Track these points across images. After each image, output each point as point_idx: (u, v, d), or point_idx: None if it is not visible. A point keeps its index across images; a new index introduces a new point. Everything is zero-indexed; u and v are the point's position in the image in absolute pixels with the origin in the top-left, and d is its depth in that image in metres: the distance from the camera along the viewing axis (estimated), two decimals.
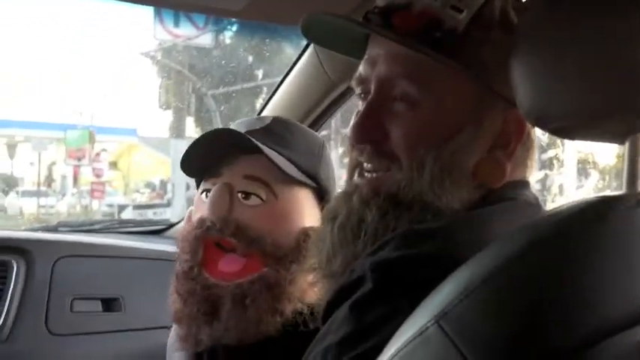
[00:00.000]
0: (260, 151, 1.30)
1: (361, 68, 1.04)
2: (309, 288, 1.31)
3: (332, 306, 0.91)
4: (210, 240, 1.33)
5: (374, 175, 1.01)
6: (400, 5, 0.98)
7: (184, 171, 1.39)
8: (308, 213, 1.38)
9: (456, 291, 0.72)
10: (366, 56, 1.03)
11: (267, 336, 1.29)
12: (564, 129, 0.82)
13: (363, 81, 1.03)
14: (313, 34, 1.10)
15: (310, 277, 1.26)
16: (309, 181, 1.38)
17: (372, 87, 1.01)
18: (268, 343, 1.29)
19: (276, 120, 1.44)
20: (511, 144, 0.98)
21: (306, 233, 1.34)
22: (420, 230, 0.91)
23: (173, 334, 1.49)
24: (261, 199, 1.33)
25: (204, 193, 1.37)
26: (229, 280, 1.30)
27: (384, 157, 0.99)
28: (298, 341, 1.16)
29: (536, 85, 0.81)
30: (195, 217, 1.38)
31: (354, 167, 1.05)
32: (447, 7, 0.96)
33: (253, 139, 1.31)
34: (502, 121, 0.98)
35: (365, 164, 1.02)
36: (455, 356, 0.67)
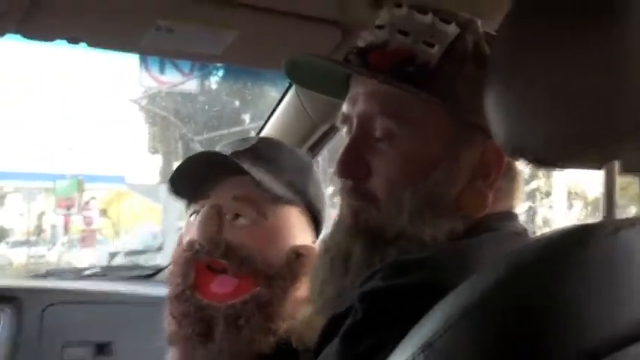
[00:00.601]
0: (247, 172, 1.30)
1: (344, 107, 1.07)
2: (302, 305, 1.31)
3: (324, 336, 0.93)
4: (201, 263, 1.33)
5: (360, 213, 1.03)
6: (377, 44, 1.02)
7: (174, 193, 1.40)
8: (298, 231, 1.39)
9: (442, 321, 0.73)
10: (348, 95, 1.06)
11: (261, 354, 1.29)
12: (541, 160, 0.83)
13: (346, 119, 1.06)
14: (296, 76, 1.14)
15: (301, 294, 1.30)
16: (297, 200, 1.39)
17: (354, 124, 1.04)
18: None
19: (262, 140, 1.44)
20: (491, 174, 1.00)
21: (296, 251, 1.35)
22: (407, 260, 0.92)
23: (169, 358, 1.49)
24: (251, 219, 1.33)
25: (194, 215, 1.37)
26: (222, 301, 1.30)
27: (362, 196, 1.02)
28: (291, 358, 1.17)
29: (510, 116, 0.82)
30: (185, 240, 1.38)
31: (344, 207, 1.07)
32: (419, 43, 0.99)
33: (237, 161, 1.32)
34: (480, 152, 1.00)
35: (352, 203, 1.05)
36: None
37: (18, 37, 1.53)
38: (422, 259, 0.91)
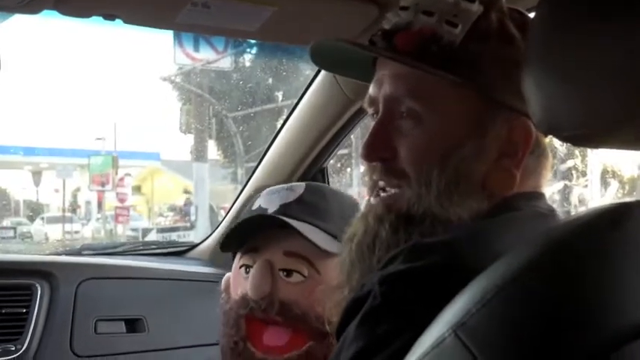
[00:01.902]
0: (296, 229, 1.30)
1: (370, 89, 1.07)
2: None
3: (344, 320, 0.93)
4: (254, 317, 1.34)
5: (387, 193, 1.03)
6: (401, 26, 1.01)
7: (224, 249, 1.43)
8: None
9: (473, 301, 0.72)
10: (374, 78, 1.06)
11: None
12: (578, 137, 0.81)
13: (372, 101, 1.06)
14: (322, 60, 1.14)
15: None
16: None
17: (380, 107, 1.03)
18: None
19: (308, 188, 1.43)
20: (519, 152, 0.99)
21: None
22: (427, 243, 0.92)
23: None
24: (303, 275, 1.33)
25: (243, 268, 1.38)
26: (276, 354, 1.31)
27: (394, 175, 1.02)
28: None
29: (547, 94, 0.80)
30: (236, 293, 1.38)
31: (371, 188, 1.06)
32: (443, 23, 0.98)
33: (287, 219, 1.31)
34: (507, 130, 0.98)
35: (379, 182, 1.04)
36: None
37: (54, 13, 1.53)
38: (440, 242, 0.91)
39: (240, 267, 1.39)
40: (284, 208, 1.36)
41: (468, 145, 0.98)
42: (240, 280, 1.39)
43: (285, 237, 1.34)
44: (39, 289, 2.03)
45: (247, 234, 1.37)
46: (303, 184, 1.46)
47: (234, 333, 1.34)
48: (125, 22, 1.62)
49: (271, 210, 1.37)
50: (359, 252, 1.02)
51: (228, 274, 1.46)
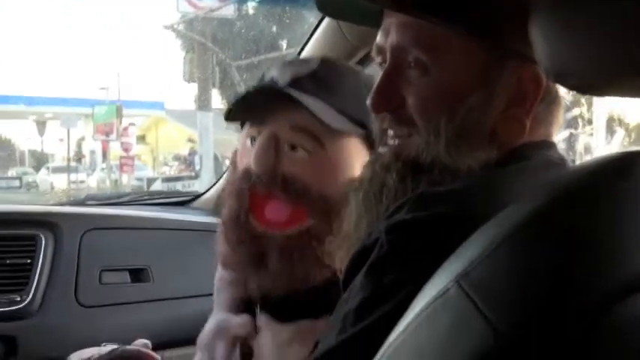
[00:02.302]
0: (303, 103, 1.27)
1: (378, 37, 1.05)
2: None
3: (351, 269, 0.92)
4: (257, 191, 1.31)
5: (396, 141, 1.02)
6: None
7: (228, 119, 1.38)
8: (357, 163, 1.33)
9: (477, 251, 0.71)
10: (382, 26, 1.04)
11: (316, 286, 1.29)
12: (586, 85, 0.80)
13: (380, 50, 1.04)
14: (329, 8, 1.13)
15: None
16: (357, 130, 1.34)
17: (388, 56, 1.02)
18: (314, 289, 1.29)
19: (324, 62, 1.38)
20: (528, 101, 0.97)
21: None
22: (434, 192, 0.91)
23: (219, 274, 1.50)
24: (308, 150, 1.30)
25: (249, 139, 1.34)
26: (277, 229, 1.29)
27: (403, 123, 1.00)
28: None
29: (554, 40, 0.79)
30: (242, 164, 1.36)
31: (380, 136, 1.05)
32: None
33: (297, 93, 1.28)
34: (517, 78, 0.96)
35: (388, 131, 1.03)
36: (476, 316, 0.66)
37: None
38: (448, 192, 0.90)
39: (247, 138, 1.36)
40: (295, 82, 1.32)
41: (475, 94, 0.96)
42: (245, 151, 1.36)
43: (293, 110, 1.29)
44: (43, 239, 2.04)
45: (254, 105, 1.34)
46: (318, 58, 1.41)
47: (238, 206, 1.32)
48: None
49: (282, 82, 1.33)
50: (366, 201, 1.01)
51: (236, 148, 1.44)
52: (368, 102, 1.02)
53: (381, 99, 1.01)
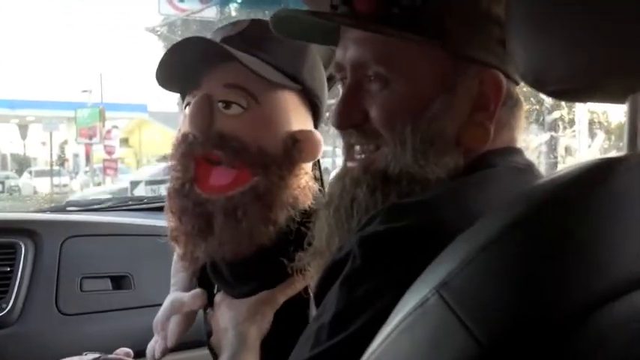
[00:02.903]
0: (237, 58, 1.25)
1: (337, 54, 1.04)
2: (301, 193, 1.31)
3: (323, 284, 0.92)
4: (199, 155, 1.29)
5: (363, 156, 1.02)
6: None
7: (162, 84, 1.34)
8: (294, 117, 1.33)
9: (457, 260, 0.71)
10: (340, 42, 1.04)
11: (262, 246, 1.28)
12: (563, 92, 0.81)
13: (340, 67, 1.04)
14: (286, 30, 1.10)
15: (301, 183, 1.30)
16: (291, 84, 1.33)
17: (348, 72, 1.02)
18: (264, 253, 1.28)
19: (254, 22, 1.36)
20: (491, 105, 0.97)
21: (293, 137, 1.31)
22: (405, 204, 0.91)
23: (175, 258, 1.49)
24: (242, 107, 1.28)
25: (186, 106, 1.33)
26: (220, 193, 1.27)
27: (369, 136, 1.00)
28: (292, 248, 1.16)
29: (532, 47, 0.79)
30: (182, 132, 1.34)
31: (348, 151, 1.05)
32: None
33: (227, 47, 1.26)
34: (478, 84, 0.96)
35: (355, 147, 1.03)
36: (456, 325, 0.66)
37: None
38: (419, 202, 0.90)
39: (185, 107, 1.33)
40: (226, 40, 1.31)
41: (438, 102, 0.96)
42: (185, 119, 1.34)
43: (225, 70, 1.28)
44: (23, 247, 2.02)
45: (187, 64, 1.29)
46: (248, 19, 1.38)
47: (181, 175, 1.30)
48: None
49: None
50: (337, 216, 1.01)
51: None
52: (332, 119, 1.02)
53: (344, 116, 1.01)
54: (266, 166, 1.27)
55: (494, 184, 0.94)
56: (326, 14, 1.01)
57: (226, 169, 1.28)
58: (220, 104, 1.28)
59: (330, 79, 1.79)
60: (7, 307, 1.93)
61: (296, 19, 1.05)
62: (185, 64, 1.29)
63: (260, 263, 1.30)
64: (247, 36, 1.32)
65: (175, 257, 1.49)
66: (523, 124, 1.04)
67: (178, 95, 1.39)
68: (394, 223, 0.86)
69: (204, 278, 1.42)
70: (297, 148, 1.30)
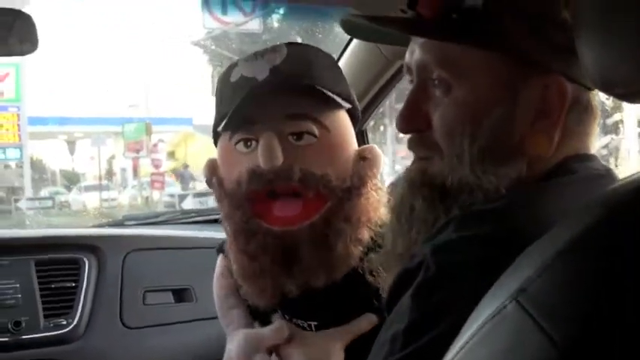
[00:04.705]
0: (299, 87, 1.24)
1: (406, 56, 1.04)
2: (380, 206, 1.29)
3: (394, 292, 0.92)
4: (263, 191, 1.25)
5: (421, 160, 1.02)
6: None
7: (225, 127, 1.30)
8: (353, 136, 1.34)
9: (533, 266, 0.70)
10: (410, 44, 1.04)
11: (353, 268, 1.27)
12: (633, 94, 0.79)
13: (408, 69, 1.04)
14: (357, 33, 1.13)
15: (376, 198, 1.30)
16: (347, 105, 1.32)
17: (414, 75, 1.02)
18: (354, 275, 1.27)
19: (292, 46, 1.32)
20: (555, 112, 0.95)
21: (362, 155, 1.31)
22: (478, 211, 0.90)
23: (221, 292, 1.47)
24: (315, 135, 1.26)
25: (241, 143, 1.28)
26: (292, 224, 1.25)
27: (425, 146, 1.00)
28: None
29: (601, 49, 0.77)
30: (232, 173, 1.29)
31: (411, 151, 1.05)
32: None
33: (320, 87, 1.24)
34: (541, 89, 0.94)
35: (414, 153, 1.04)
36: (536, 332, 0.65)
37: None
38: (494, 209, 0.89)
39: (237, 143, 1.28)
40: (275, 72, 1.27)
41: (499, 109, 0.94)
42: (237, 156, 1.28)
43: (283, 100, 1.25)
44: (86, 262, 2.06)
45: (246, 109, 1.25)
46: (282, 43, 1.33)
47: (241, 213, 1.27)
48: None
49: (261, 77, 1.27)
50: (399, 223, 1.01)
51: (211, 158, 1.37)
52: (396, 122, 1.02)
53: (407, 121, 1.01)
54: (345, 191, 1.26)
55: (573, 190, 0.92)
56: (383, 19, 1.02)
57: (289, 200, 1.26)
58: (291, 137, 1.25)
59: (400, 72, 1.79)
60: (73, 322, 1.97)
61: (363, 24, 1.05)
62: (241, 98, 1.25)
63: (351, 284, 1.28)
64: (294, 63, 1.28)
65: (220, 293, 1.47)
66: (594, 130, 1.01)
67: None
68: (467, 231, 0.86)
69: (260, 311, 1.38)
70: (367, 165, 1.30)
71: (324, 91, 1.25)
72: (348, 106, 1.32)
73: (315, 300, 1.30)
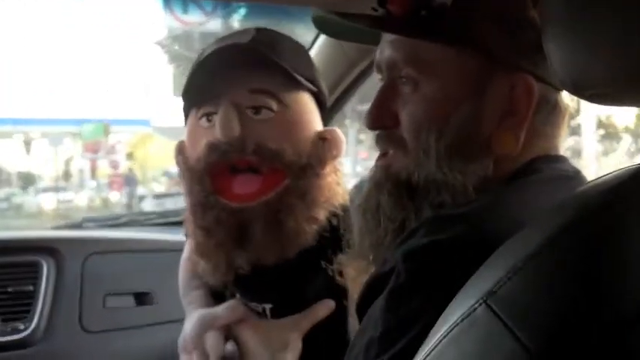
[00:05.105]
0: (262, 63, 1.25)
1: (376, 55, 1.05)
2: (338, 188, 1.32)
3: (366, 297, 0.92)
4: (223, 165, 1.27)
5: (385, 156, 1.03)
6: None
7: (188, 101, 1.34)
8: (316, 117, 1.35)
9: (504, 269, 0.70)
10: (380, 43, 1.04)
11: (305, 247, 1.28)
12: (603, 96, 0.79)
13: (378, 67, 1.05)
14: (328, 29, 1.14)
15: (334, 181, 1.32)
16: (311, 87, 1.34)
17: (383, 73, 1.03)
18: (307, 254, 1.28)
19: (260, 30, 1.34)
20: (521, 111, 0.95)
21: (322, 136, 1.32)
22: (448, 215, 0.90)
23: (186, 274, 1.50)
24: (272, 111, 1.28)
25: (204, 118, 1.30)
26: (251, 200, 1.26)
27: (392, 142, 1.01)
28: (330, 250, 1.19)
29: (570, 51, 0.77)
30: (197, 148, 1.31)
31: (378, 154, 1.06)
32: None
33: (269, 53, 1.26)
34: (509, 87, 0.95)
35: (380, 149, 1.04)
36: (505, 335, 0.65)
37: None
38: (462, 213, 0.89)
39: (200, 118, 1.31)
40: (240, 47, 1.29)
41: (466, 106, 0.95)
42: (201, 131, 1.31)
43: (246, 75, 1.27)
44: (45, 265, 2.03)
45: (206, 77, 1.28)
46: (252, 27, 1.36)
47: (201, 188, 1.28)
48: None
49: (227, 53, 1.29)
50: (365, 220, 1.01)
51: (180, 140, 1.38)
52: (364, 119, 1.02)
53: (375, 117, 1.01)
54: (302, 168, 1.27)
55: (539, 192, 0.92)
56: (354, 16, 1.03)
57: (248, 177, 1.27)
58: (249, 110, 1.27)
59: (369, 69, 1.79)
60: (30, 326, 1.93)
61: (334, 20, 1.06)
62: (206, 74, 1.29)
63: (304, 264, 1.29)
64: (260, 43, 1.30)
65: (184, 275, 1.51)
66: (563, 131, 1.02)
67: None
68: (438, 235, 0.85)
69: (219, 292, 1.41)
70: (326, 146, 1.32)
71: (287, 67, 1.26)
72: (312, 87, 1.33)
73: (267, 278, 1.32)
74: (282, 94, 1.28)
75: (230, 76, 1.27)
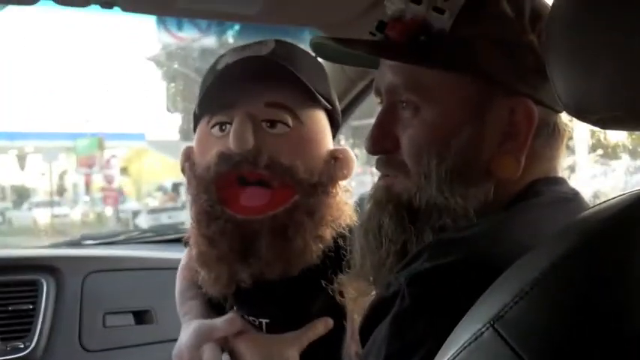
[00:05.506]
0: (281, 77, 1.25)
1: (376, 79, 1.06)
2: (347, 208, 1.31)
3: (369, 320, 0.92)
4: (233, 176, 1.26)
5: (386, 177, 1.03)
6: (395, 15, 1.00)
7: (201, 108, 1.32)
8: (329, 135, 1.35)
9: (510, 293, 0.70)
10: (379, 67, 1.05)
11: (309, 265, 1.28)
12: (608, 120, 0.79)
13: (377, 91, 1.05)
14: (326, 54, 1.13)
15: (342, 200, 1.31)
16: (327, 104, 1.33)
17: (383, 97, 1.03)
18: (310, 272, 1.28)
19: (280, 43, 1.34)
20: (522, 135, 0.96)
21: (334, 155, 1.32)
22: (450, 239, 0.90)
23: (182, 283, 1.48)
24: (288, 125, 1.27)
25: (217, 127, 1.29)
26: (258, 214, 1.25)
27: (393, 166, 1.01)
28: (331, 270, 1.17)
29: (575, 76, 0.78)
30: (207, 156, 1.30)
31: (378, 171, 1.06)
32: (430, 10, 0.96)
33: (290, 67, 1.25)
34: (508, 111, 0.96)
35: (381, 173, 1.05)
36: (513, 358, 0.65)
37: (51, 3, 1.50)
38: (465, 237, 0.89)
39: (213, 126, 1.30)
40: (259, 60, 1.29)
41: (467, 131, 0.95)
42: (212, 140, 1.30)
43: (264, 88, 1.26)
44: (45, 284, 2.02)
45: (229, 85, 1.28)
46: (271, 39, 1.35)
47: (207, 197, 1.27)
48: (123, 10, 1.59)
49: (245, 65, 1.29)
50: (367, 240, 1.01)
51: (188, 145, 1.38)
52: (365, 143, 1.02)
53: (375, 142, 1.01)
54: (311, 185, 1.27)
55: (540, 215, 0.93)
56: (352, 42, 1.03)
57: (257, 190, 1.26)
58: (264, 123, 1.26)
59: (368, 89, 1.79)
60: (30, 345, 1.92)
61: (332, 45, 1.06)
62: (224, 83, 1.28)
63: (306, 282, 1.29)
64: (280, 56, 1.29)
65: (181, 284, 1.49)
66: (562, 153, 1.03)
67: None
68: (441, 259, 0.86)
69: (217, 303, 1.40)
70: (337, 165, 1.32)
71: (305, 82, 1.26)
72: (327, 105, 1.33)
73: (268, 293, 1.31)
74: (299, 110, 1.28)
75: (248, 88, 1.26)
